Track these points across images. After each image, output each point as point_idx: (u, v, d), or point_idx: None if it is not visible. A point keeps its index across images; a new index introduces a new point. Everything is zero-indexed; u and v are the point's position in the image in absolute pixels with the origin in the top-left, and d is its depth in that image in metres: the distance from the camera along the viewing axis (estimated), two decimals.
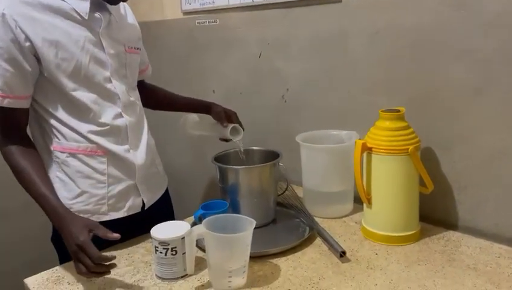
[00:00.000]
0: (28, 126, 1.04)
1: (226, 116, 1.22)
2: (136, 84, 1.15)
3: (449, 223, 1.07)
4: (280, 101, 1.43)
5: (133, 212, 1.09)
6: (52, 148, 1.03)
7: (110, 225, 0.98)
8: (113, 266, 0.87)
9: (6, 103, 0.95)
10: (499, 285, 0.83)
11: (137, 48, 1.14)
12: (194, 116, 1.34)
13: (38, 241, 1.39)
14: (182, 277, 0.90)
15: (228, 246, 0.84)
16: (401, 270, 0.89)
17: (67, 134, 1.01)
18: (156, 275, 0.92)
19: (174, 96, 1.35)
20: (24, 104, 0.99)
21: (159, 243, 0.88)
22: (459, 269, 0.88)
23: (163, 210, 1.21)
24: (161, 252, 0.88)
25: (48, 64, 0.95)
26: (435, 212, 1.08)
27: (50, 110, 1.01)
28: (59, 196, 0.97)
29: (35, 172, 0.96)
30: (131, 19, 1.15)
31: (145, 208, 1.12)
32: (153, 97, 1.32)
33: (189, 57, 1.74)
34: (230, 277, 0.85)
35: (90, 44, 1.00)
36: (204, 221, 0.87)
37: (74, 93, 0.99)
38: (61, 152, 1.02)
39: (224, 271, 0.84)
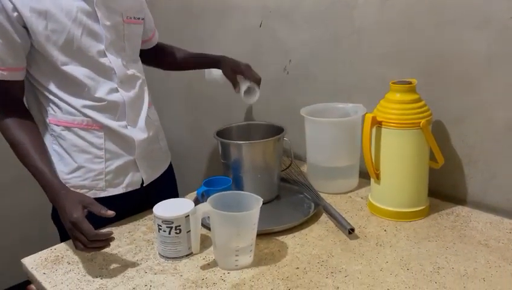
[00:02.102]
0: (25, 98, 1.00)
1: (240, 74, 1.16)
2: (137, 56, 1.09)
3: (457, 198, 1.05)
4: (282, 73, 1.37)
5: (132, 189, 1.06)
6: (47, 121, 0.99)
7: (109, 201, 0.96)
8: (112, 239, 0.84)
9: None
10: None
11: (139, 18, 1.06)
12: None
13: (39, 217, 1.35)
14: (186, 255, 0.87)
15: (235, 224, 0.81)
16: (411, 247, 0.87)
17: (62, 107, 0.97)
18: (159, 254, 0.89)
19: (187, 54, 1.29)
20: (18, 76, 0.94)
21: (162, 222, 0.85)
22: (471, 245, 0.87)
23: (166, 187, 1.18)
24: (164, 231, 0.85)
25: (37, 36, 0.90)
26: (443, 187, 1.06)
27: (43, 83, 0.96)
28: (56, 170, 0.94)
29: (32, 145, 0.92)
30: None
31: (144, 185, 1.08)
32: (169, 60, 1.28)
33: (184, 26, 1.66)
34: (237, 255, 0.82)
35: (84, 15, 0.93)
36: (209, 199, 0.83)
37: (66, 68, 0.94)
38: (56, 125, 0.98)
39: (230, 250, 0.82)
